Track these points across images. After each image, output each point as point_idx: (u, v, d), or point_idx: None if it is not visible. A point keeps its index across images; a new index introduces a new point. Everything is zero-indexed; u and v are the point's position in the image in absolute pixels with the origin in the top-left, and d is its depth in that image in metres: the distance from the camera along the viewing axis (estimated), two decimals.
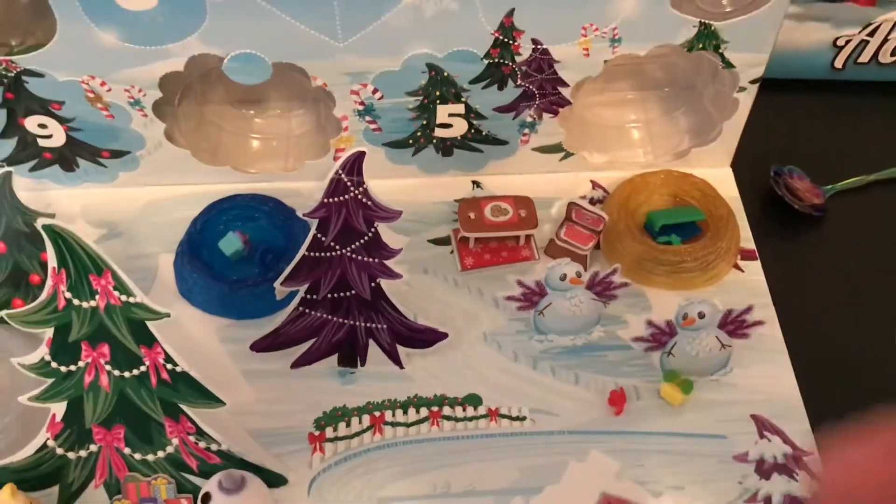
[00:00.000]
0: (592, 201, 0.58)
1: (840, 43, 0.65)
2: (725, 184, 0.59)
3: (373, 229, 0.48)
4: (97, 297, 0.40)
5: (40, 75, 0.50)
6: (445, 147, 0.58)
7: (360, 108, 0.54)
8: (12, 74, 0.50)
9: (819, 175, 0.61)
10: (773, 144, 0.63)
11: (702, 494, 0.47)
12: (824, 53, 0.65)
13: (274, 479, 0.46)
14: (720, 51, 0.53)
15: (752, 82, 0.55)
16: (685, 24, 0.51)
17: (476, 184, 0.60)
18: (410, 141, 0.57)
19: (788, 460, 0.48)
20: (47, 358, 0.42)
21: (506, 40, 0.50)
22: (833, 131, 0.65)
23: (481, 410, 0.50)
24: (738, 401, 0.50)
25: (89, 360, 0.42)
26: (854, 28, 0.64)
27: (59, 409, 0.43)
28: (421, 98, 0.54)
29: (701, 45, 0.52)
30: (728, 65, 0.54)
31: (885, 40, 0.64)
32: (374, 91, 0.53)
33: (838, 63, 0.66)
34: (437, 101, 0.54)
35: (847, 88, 0.67)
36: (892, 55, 0.65)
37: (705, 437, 0.49)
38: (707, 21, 0.51)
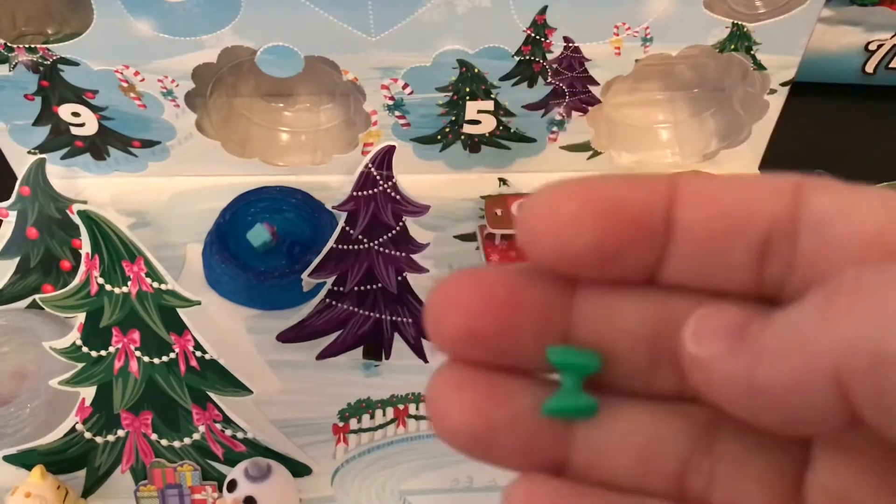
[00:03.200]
0: None
1: (872, 47, 0.64)
2: None
3: (401, 223, 0.49)
4: (129, 283, 0.41)
5: (75, 64, 0.51)
6: (473, 144, 0.58)
7: (390, 102, 0.54)
8: (48, 63, 0.50)
9: (847, 180, 0.61)
10: (802, 148, 0.62)
11: None
12: (855, 57, 0.65)
13: (298, 469, 0.46)
14: (751, 52, 0.53)
15: (783, 84, 0.55)
16: (717, 25, 0.51)
17: (503, 181, 0.60)
18: (438, 137, 0.57)
19: None
20: (78, 342, 0.43)
21: (537, 37, 0.50)
22: (863, 136, 0.65)
23: None
24: None
25: (119, 345, 0.42)
26: (886, 32, 0.63)
27: (88, 393, 0.44)
28: (451, 94, 0.54)
29: (733, 47, 0.52)
30: (759, 67, 0.53)
31: None
32: (405, 86, 0.53)
33: (869, 67, 0.66)
34: (467, 98, 0.54)
35: (878, 93, 0.67)
36: None
37: None
38: (739, 22, 0.51)
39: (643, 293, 0.16)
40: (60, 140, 0.56)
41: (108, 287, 0.41)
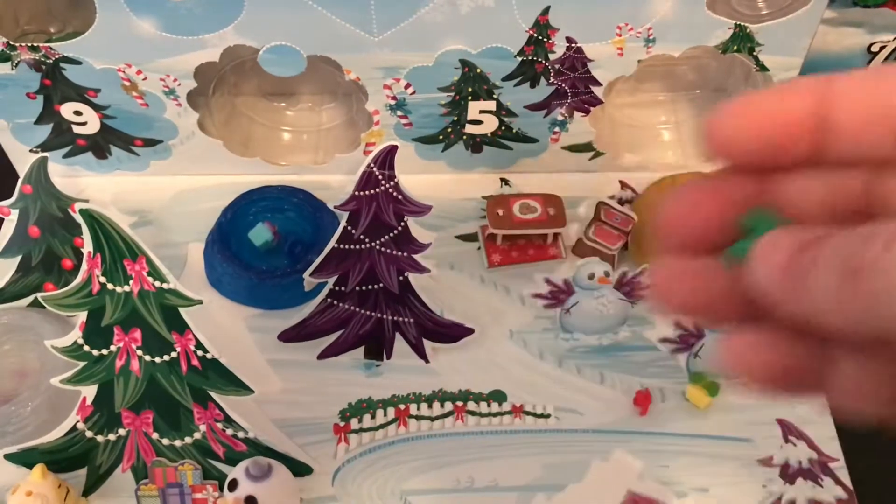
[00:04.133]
0: (621, 201, 0.58)
1: (874, 49, 0.64)
2: None
3: (402, 223, 0.49)
4: (131, 282, 0.41)
5: (78, 62, 0.51)
6: (475, 144, 0.58)
7: (392, 102, 0.54)
8: (51, 61, 0.50)
9: None
10: None
11: (726, 496, 0.46)
12: (858, 59, 0.65)
13: (299, 469, 0.46)
14: (754, 53, 0.52)
15: None
16: (720, 26, 0.51)
17: (504, 181, 0.60)
18: (440, 137, 0.57)
19: (814, 465, 0.48)
20: (80, 341, 0.43)
21: (540, 38, 0.50)
22: None
23: (506, 407, 0.50)
24: (764, 404, 0.50)
25: (121, 344, 0.42)
26: (889, 34, 0.63)
27: (89, 392, 0.44)
28: (453, 94, 0.54)
29: (735, 48, 0.52)
30: (762, 68, 0.53)
31: None
32: (407, 86, 0.53)
33: None
34: (469, 98, 0.54)
35: None
36: None
37: (730, 439, 0.49)
38: (742, 23, 0.51)
39: (814, 171, 0.19)
40: (62, 139, 0.56)
41: (109, 286, 0.41)
